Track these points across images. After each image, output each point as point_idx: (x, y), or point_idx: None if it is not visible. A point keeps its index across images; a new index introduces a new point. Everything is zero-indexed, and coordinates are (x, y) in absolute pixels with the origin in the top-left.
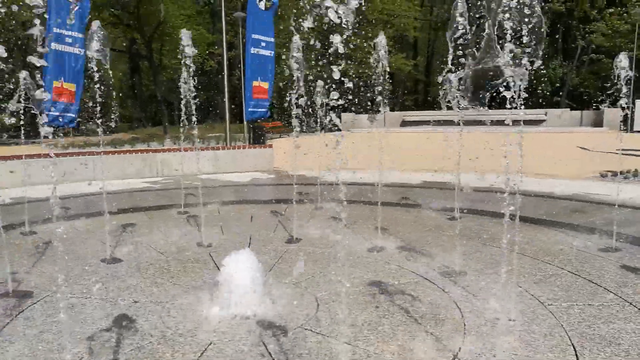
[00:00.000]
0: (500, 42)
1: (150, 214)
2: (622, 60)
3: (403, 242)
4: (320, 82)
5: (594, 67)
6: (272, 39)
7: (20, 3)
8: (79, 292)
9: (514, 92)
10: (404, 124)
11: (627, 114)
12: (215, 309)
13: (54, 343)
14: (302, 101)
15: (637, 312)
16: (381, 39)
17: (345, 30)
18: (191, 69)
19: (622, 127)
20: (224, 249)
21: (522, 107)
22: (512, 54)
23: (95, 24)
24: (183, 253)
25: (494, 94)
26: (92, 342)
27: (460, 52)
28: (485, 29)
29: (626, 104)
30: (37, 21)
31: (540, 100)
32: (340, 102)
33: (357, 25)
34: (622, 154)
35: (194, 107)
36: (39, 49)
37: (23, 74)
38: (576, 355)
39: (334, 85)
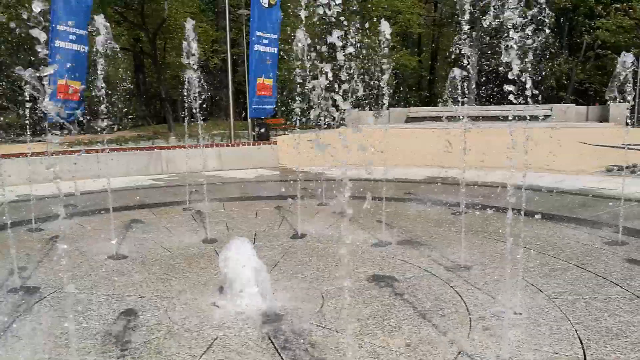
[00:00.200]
0: (504, 36)
1: (155, 210)
2: (627, 59)
3: (408, 237)
4: (322, 80)
5: (599, 63)
6: (276, 36)
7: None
8: (86, 288)
9: (520, 88)
10: (409, 120)
11: (633, 106)
12: (220, 304)
13: (61, 338)
14: (310, 96)
15: None
16: (384, 27)
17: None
18: (194, 60)
19: (628, 122)
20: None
21: (529, 102)
22: (517, 49)
23: (99, 18)
24: (188, 249)
25: (500, 89)
26: (99, 338)
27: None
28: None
29: (633, 98)
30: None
31: (541, 95)
32: (345, 104)
33: (360, 20)
34: (629, 148)
35: (198, 104)
36: (40, 54)
37: (28, 72)
38: (583, 348)
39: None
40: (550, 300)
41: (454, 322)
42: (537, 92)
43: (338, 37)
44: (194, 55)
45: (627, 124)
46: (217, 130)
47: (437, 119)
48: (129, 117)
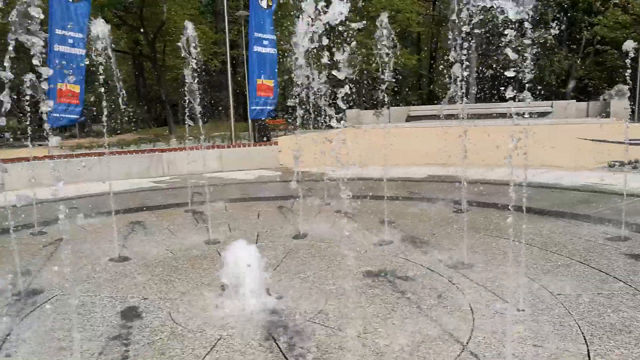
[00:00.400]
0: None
1: (157, 212)
2: (629, 46)
3: (410, 235)
4: (322, 78)
5: (599, 58)
6: (274, 37)
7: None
8: (89, 290)
9: (519, 84)
10: (409, 119)
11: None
12: (223, 304)
13: (65, 340)
14: (310, 97)
15: None
16: (383, 19)
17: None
18: (194, 62)
19: (629, 117)
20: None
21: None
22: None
23: (98, 22)
24: (191, 250)
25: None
26: (103, 339)
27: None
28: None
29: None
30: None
31: (542, 92)
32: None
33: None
34: (630, 144)
35: (198, 106)
36: (35, 60)
37: (28, 76)
38: (586, 343)
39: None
40: (553, 296)
41: (457, 319)
42: (534, 87)
43: (338, 40)
44: (194, 59)
45: (631, 115)
46: (217, 131)
47: (438, 117)
48: (130, 120)
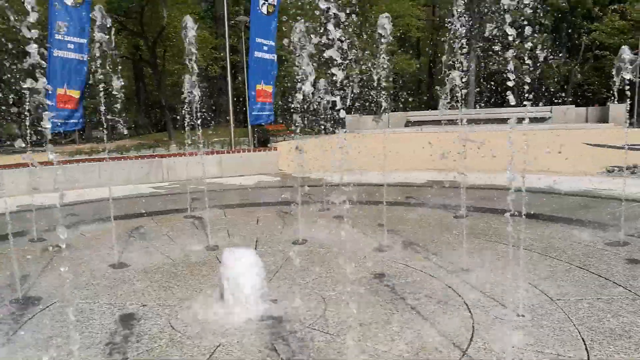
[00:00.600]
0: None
1: (157, 218)
2: (626, 53)
3: (409, 241)
4: (322, 83)
5: (598, 64)
6: (274, 43)
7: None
8: (88, 297)
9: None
10: (408, 124)
11: (632, 106)
12: (222, 311)
13: (63, 348)
14: (310, 102)
15: None
16: (383, 20)
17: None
18: (194, 59)
19: (627, 122)
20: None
21: (528, 104)
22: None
23: (98, 9)
24: (190, 256)
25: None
26: (102, 347)
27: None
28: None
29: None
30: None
31: (541, 97)
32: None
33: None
34: (629, 149)
35: (198, 110)
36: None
37: (28, 82)
38: (586, 349)
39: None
40: (553, 302)
41: (456, 325)
42: (534, 93)
43: (338, 44)
44: (194, 62)
45: (630, 123)
46: (217, 137)
47: (437, 122)
48: (130, 126)
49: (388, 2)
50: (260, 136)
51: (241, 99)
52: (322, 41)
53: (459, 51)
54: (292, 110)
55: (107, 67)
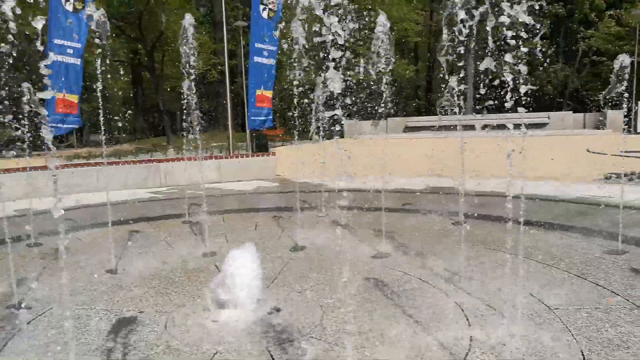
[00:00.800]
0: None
1: (154, 223)
2: (624, 61)
3: (407, 248)
4: (320, 90)
5: (596, 69)
6: (274, 48)
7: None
8: (85, 303)
9: (516, 95)
10: (407, 129)
11: (629, 115)
12: (220, 318)
13: (59, 355)
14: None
15: None
16: (381, 19)
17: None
18: (193, 61)
19: (625, 128)
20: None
21: (525, 110)
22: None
23: (97, 14)
24: (188, 262)
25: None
26: (98, 353)
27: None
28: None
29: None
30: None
31: (538, 103)
32: (338, 113)
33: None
34: (626, 155)
35: (196, 115)
36: (43, 70)
37: (25, 85)
38: (584, 359)
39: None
40: (551, 311)
41: (455, 334)
42: (530, 99)
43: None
44: (193, 67)
45: (627, 130)
46: (215, 142)
47: (436, 128)
48: (126, 131)
49: (387, 7)
50: (258, 141)
51: (239, 104)
52: (324, 51)
53: (457, 57)
54: (291, 114)
55: (106, 69)
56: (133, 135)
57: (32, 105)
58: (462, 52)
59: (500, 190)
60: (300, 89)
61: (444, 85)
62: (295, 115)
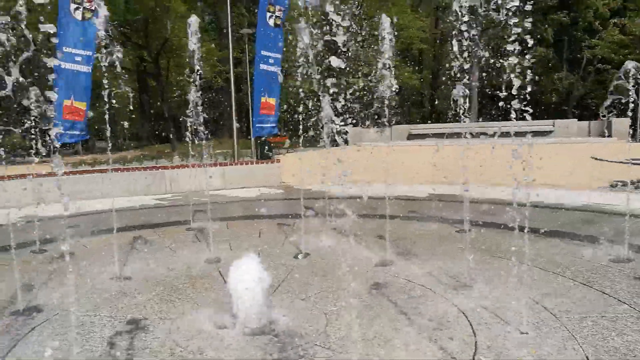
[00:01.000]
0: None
1: (159, 230)
2: (630, 68)
3: (411, 255)
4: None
5: (600, 77)
6: (280, 56)
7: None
8: (89, 310)
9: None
10: (411, 137)
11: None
12: (224, 325)
13: None
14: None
15: None
16: (384, 20)
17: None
18: (199, 66)
19: (631, 136)
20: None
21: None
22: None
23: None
24: (192, 269)
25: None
26: None
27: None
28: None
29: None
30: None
31: (543, 111)
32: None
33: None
34: (632, 163)
35: (202, 123)
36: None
37: (33, 91)
38: None
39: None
40: (557, 319)
41: (459, 341)
42: (531, 108)
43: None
44: (199, 71)
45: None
46: (220, 149)
47: (440, 135)
48: (132, 138)
49: (392, 14)
50: (263, 148)
51: (244, 112)
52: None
53: (462, 65)
54: (293, 123)
55: (113, 77)
56: (138, 142)
57: (40, 106)
58: (467, 60)
59: (504, 198)
60: (304, 96)
61: (448, 92)
62: (300, 121)
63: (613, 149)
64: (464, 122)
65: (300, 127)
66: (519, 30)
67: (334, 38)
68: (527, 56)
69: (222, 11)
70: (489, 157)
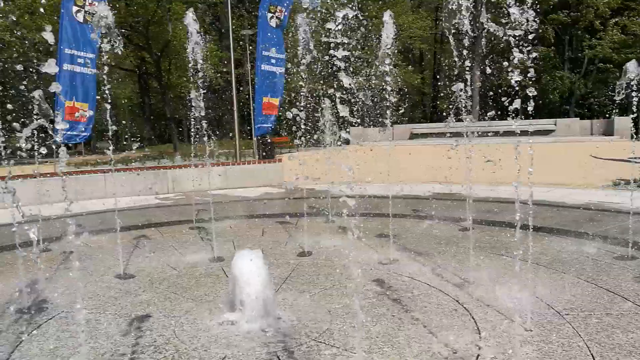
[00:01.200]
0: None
1: (162, 229)
2: (631, 68)
3: (415, 254)
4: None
5: (602, 76)
6: (282, 56)
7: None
8: (94, 308)
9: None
10: (413, 136)
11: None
12: (228, 322)
13: (69, 358)
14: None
15: None
16: (387, 18)
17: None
18: (200, 66)
19: (633, 135)
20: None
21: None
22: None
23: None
24: (195, 268)
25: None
26: (107, 357)
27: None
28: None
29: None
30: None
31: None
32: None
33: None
34: (635, 162)
35: (204, 123)
36: (49, 69)
37: (37, 93)
38: None
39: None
40: (561, 316)
41: (464, 339)
42: (532, 107)
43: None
44: (200, 71)
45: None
46: (222, 149)
47: (441, 135)
48: (136, 139)
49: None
50: (265, 148)
51: (246, 112)
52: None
53: (463, 64)
54: (294, 122)
55: (114, 77)
56: (140, 142)
57: (42, 105)
58: (467, 59)
59: (507, 197)
60: (307, 96)
61: (450, 91)
62: (301, 121)
63: (616, 148)
64: (466, 121)
65: (302, 127)
66: (521, 32)
67: (337, 54)
68: (530, 55)
69: (223, 12)
70: (491, 156)
